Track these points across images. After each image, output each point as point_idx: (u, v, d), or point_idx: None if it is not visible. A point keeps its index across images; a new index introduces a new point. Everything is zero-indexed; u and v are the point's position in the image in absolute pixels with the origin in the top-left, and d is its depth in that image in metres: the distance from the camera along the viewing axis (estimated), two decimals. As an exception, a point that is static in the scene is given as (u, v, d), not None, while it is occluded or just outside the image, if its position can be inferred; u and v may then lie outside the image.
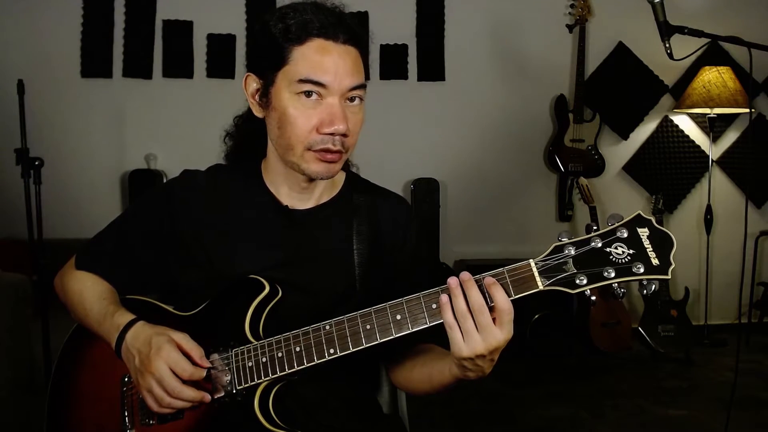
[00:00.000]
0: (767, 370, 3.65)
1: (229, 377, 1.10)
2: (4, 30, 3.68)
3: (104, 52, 3.77)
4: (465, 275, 0.98)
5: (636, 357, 3.84)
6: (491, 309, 0.96)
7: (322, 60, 1.08)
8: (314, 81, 1.08)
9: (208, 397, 1.10)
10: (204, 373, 1.10)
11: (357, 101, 1.14)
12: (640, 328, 3.76)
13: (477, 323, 0.96)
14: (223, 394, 1.11)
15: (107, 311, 1.19)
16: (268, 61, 1.12)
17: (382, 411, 1.35)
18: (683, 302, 3.85)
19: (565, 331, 3.80)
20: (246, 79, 1.18)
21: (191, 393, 1.08)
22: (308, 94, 1.09)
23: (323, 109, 1.10)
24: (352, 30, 1.12)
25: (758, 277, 4.30)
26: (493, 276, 0.98)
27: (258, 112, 1.18)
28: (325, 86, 1.09)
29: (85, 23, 3.76)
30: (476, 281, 0.98)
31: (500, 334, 0.96)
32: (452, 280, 0.98)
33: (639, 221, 0.97)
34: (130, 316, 1.17)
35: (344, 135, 1.11)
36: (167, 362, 1.08)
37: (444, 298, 0.97)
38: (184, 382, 1.08)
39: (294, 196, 1.23)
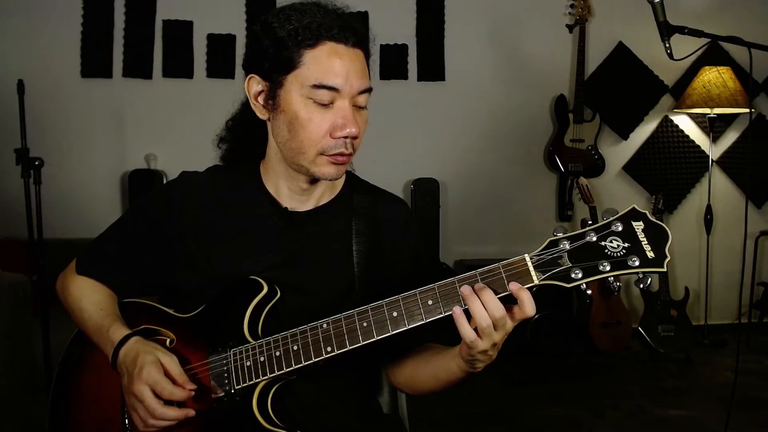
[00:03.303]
0: (767, 370, 3.65)
1: (228, 379, 1.11)
2: (4, 30, 3.67)
3: (104, 52, 3.77)
4: (466, 289, 0.98)
5: (636, 357, 3.84)
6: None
7: (335, 64, 1.08)
8: (328, 86, 1.08)
9: (192, 413, 1.10)
10: (185, 395, 1.09)
11: (364, 103, 1.14)
12: (640, 328, 3.76)
13: (496, 326, 0.97)
14: (221, 394, 1.11)
15: (103, 324, 1.19)
16: (275, 64, 1.10)
17: (382, 411, 1.35)
18: (683, 302, 3.85)
19: (565, 331, 3.79)
20: (248, 80, 1.16)
21: (172, 413, 1.08)
22: (321, 98, 1.08)
23: (335, 113, 1.09)
24: (360, 33, 1.12)
25: (758, 277, 4.30)
26: (488, 271, 0.99)
27: (262, 114, 1.16)
28: (338, 90, 1.08)
29: (85, 23, 3.76)
30: (470, 284, 0.98)
31: (510, 322, 0.99)
32: (465, 289, 0.98)
33: (634, 215, 0.97)
34: (123, 332, 1.16)
35: (354, 137, 1.11)
36: (147, 383, 1.08)
37: (457, 310, 0.98)
38: (167, 402, 1.08)
39: (294, 198, 1.22)
